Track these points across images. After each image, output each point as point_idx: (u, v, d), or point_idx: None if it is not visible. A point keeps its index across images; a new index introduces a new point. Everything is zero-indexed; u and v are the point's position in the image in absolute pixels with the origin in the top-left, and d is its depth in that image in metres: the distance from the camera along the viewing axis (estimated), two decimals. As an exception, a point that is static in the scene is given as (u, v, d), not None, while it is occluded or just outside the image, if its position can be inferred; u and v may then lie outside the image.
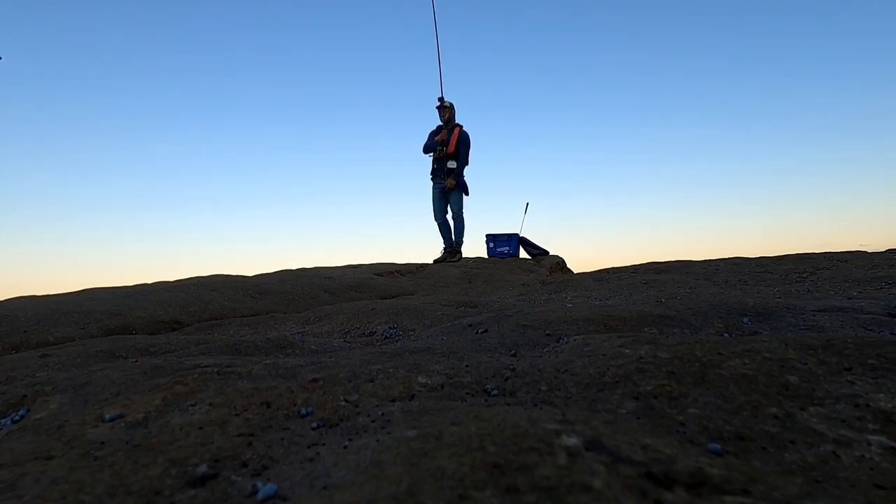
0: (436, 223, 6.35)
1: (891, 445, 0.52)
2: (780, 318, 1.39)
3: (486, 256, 6.87)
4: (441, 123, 6.14)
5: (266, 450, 0.58)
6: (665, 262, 4.13)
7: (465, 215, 6.31)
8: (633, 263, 4.46)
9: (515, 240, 7.00)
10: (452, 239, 6.21)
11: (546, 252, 7.09)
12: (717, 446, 0.51)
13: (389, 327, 1.75)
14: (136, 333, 1.94)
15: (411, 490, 0.39)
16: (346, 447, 0.55)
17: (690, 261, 4.07)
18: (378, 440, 0.54)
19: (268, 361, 0.97)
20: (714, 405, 0.62)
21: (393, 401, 0.71)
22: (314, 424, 0.64)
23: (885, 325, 1.27)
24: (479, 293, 3.25)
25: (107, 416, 0.70)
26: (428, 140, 6.27)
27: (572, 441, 0.46)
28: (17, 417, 0.81)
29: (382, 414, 0.65)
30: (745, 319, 1.39)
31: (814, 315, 1.41)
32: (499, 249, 6.97)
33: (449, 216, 6.29)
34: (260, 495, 0.47)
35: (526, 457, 0.43)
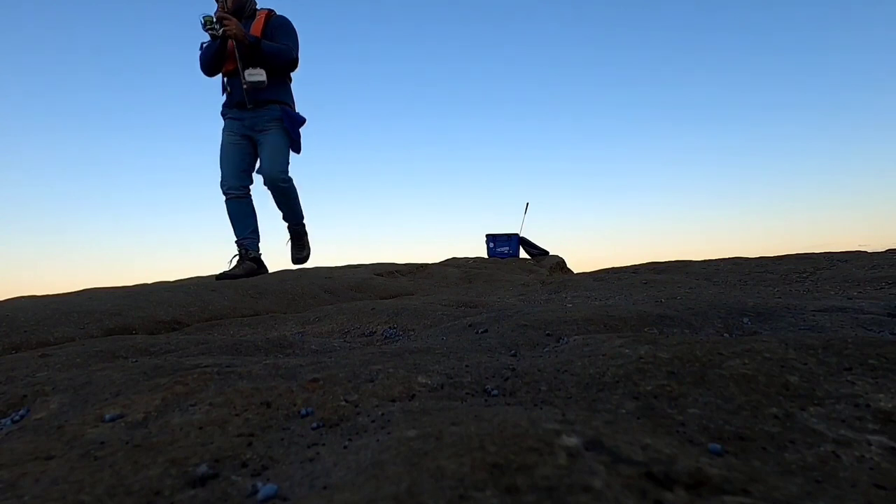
0: (224, 195, 3.39)
1: (891, 445, 0.52)
2: (780, 318, 1.39)
3: (486, 256, 6.87)
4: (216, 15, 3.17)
5: (266, 450, 0.58)
6: (665, 262, 4.13)
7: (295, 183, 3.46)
8: (633, 263, 4.47)
9: (515, 240, 7.00)
10: (256, 225, 3.48)
11: (546, 252, 7.10)
12: (717, 446, 0.51)
13: (389, 327, 1.75)
14: (136, 333, 1.94)
15: (411, 490, 0.39)
16: (346, 447, 0.55)
17: (690, 261, 4.07)
18: (378, 440, 0.54)
19: (268, 361, 0.97)
20: (714, 405, 0.62)
21: (393, 401, 0.71)
22: (314, 424, 0.64)
23: (885, 325, 1.27)
24: (479, 293, 3.25)
25: (107, 416, 0.70)
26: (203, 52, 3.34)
27: (572, 441, 0.46)
28: (17, 417, 0.81)
29: (382, 414, 0.65)
30: (745, 319, 1.39)
31: (814, 315, 1.40)
32: (499, 249, 6.97)
33: (265, 184, 3.34)
34: (260, 495, 0.47)
35: (526, 457, 0.43)
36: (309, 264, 3.90)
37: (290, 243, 3.81)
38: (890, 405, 0.59)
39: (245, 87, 3.21)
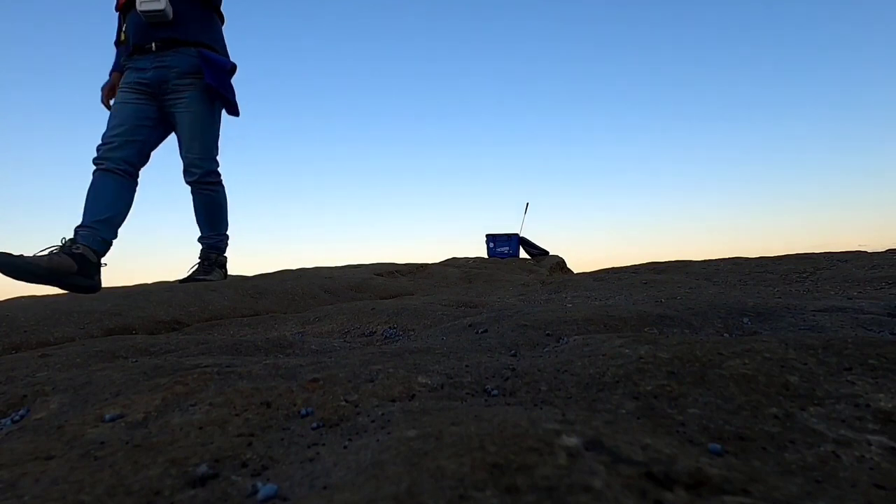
0: (94, 165, 2.35)
1: (891, 445, 0.52)
2: (780, 318, 1.39)
3: (486, 256, 6.87)
4: None
5: (266, 450, 0.58)
6: (665, 262, 4.14)
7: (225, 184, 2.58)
8: (633, 263, 4.47)
9: (515, 240, 7.01)
10: (118, 217, 2.40)
11: (546, 252, 7.10)
12: (717, 446, 0.51)
13: (389, 327, 1.75)
14: (136, 333, 1.93)
15: (411, 490, 0.39)
16: (346, 447, 0.55)
17: (690, 261, 4.07)
18: (378, 440, 0.54)
19: (268, 361, 0.97)
20: (714, 405, 0.62)
21: (393, 401, 0.71)
22: (314, 424, 0.64)
23: (885, 325, 1.27)
24: (479, 293, 3.25)
25: (107, 416, 0.70)
26: None
27: (572, 441, 0.46)
28: (17, 417, 0.80)
29: (382, 414, 0.65)
30: (745, 319, 1.39)
31: (814, 315, 1.40)
32: (499, 249, 6.98)
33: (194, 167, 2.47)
34: (260, 495, 0.47)
35: (526, 457, 0.43)
36: (309, 264, 3.86)
37: (196, 267, 2.73)
38: (890, 405, 0.59)
39: (140, 12, 2.21)
